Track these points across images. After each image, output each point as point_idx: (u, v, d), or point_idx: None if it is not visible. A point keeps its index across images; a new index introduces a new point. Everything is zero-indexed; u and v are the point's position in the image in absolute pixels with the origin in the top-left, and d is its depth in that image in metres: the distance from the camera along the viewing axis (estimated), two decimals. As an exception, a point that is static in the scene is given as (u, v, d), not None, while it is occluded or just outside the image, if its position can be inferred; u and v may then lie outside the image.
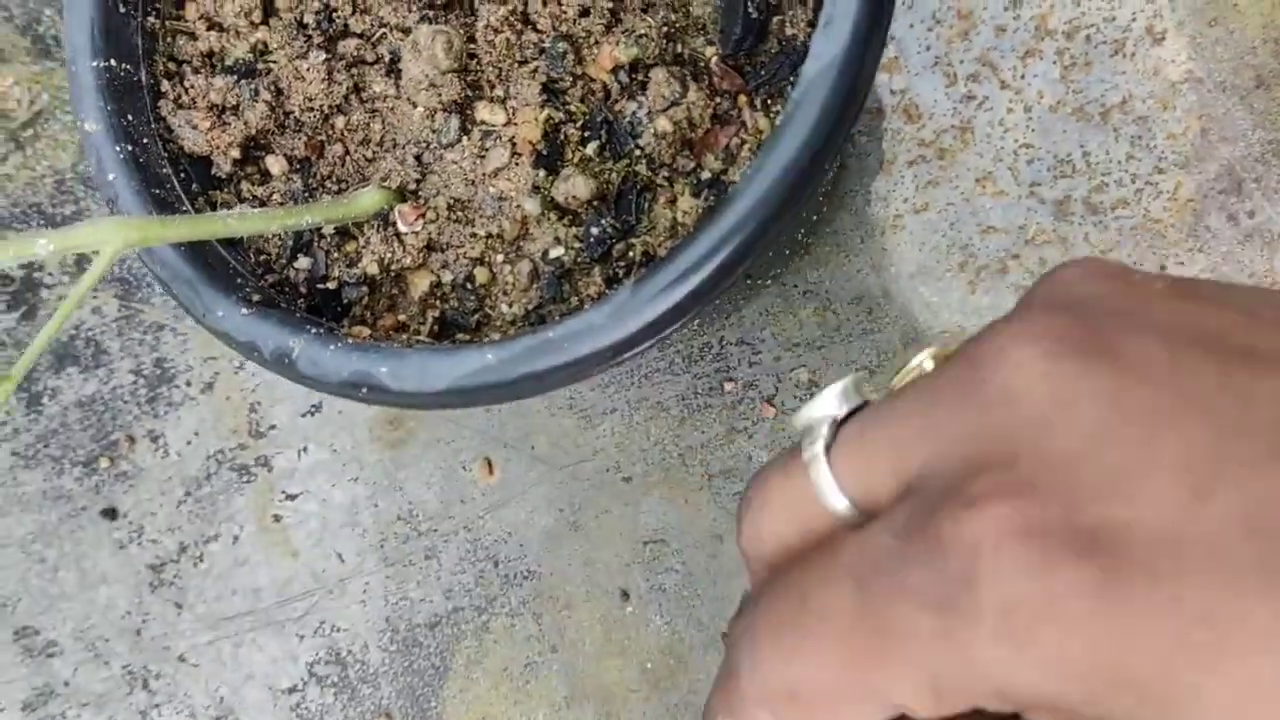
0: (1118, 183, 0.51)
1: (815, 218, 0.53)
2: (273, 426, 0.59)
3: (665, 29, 0.36)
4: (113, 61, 0.36)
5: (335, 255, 0.37)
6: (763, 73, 0.35)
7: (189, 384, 0.61)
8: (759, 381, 0.54)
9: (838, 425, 0.21)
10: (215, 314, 0.34)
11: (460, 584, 0.57)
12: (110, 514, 0.61)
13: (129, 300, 0.62)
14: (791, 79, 0.35)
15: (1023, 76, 0.52)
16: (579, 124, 0.37)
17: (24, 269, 0.64)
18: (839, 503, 0.20)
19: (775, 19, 0.35)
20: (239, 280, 0.36)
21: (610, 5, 0.37)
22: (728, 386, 0.55)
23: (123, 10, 0.37)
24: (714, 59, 0.36)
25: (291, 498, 0.59)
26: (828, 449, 0.20)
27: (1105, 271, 0.20)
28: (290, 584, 0.59)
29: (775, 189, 0.30)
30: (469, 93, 0.37)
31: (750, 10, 0.34)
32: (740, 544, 0.23)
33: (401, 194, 0.37)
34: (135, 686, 0.60)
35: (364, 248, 0.36)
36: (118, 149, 0.35)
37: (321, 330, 0.34)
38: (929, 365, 0.21)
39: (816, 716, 0.19)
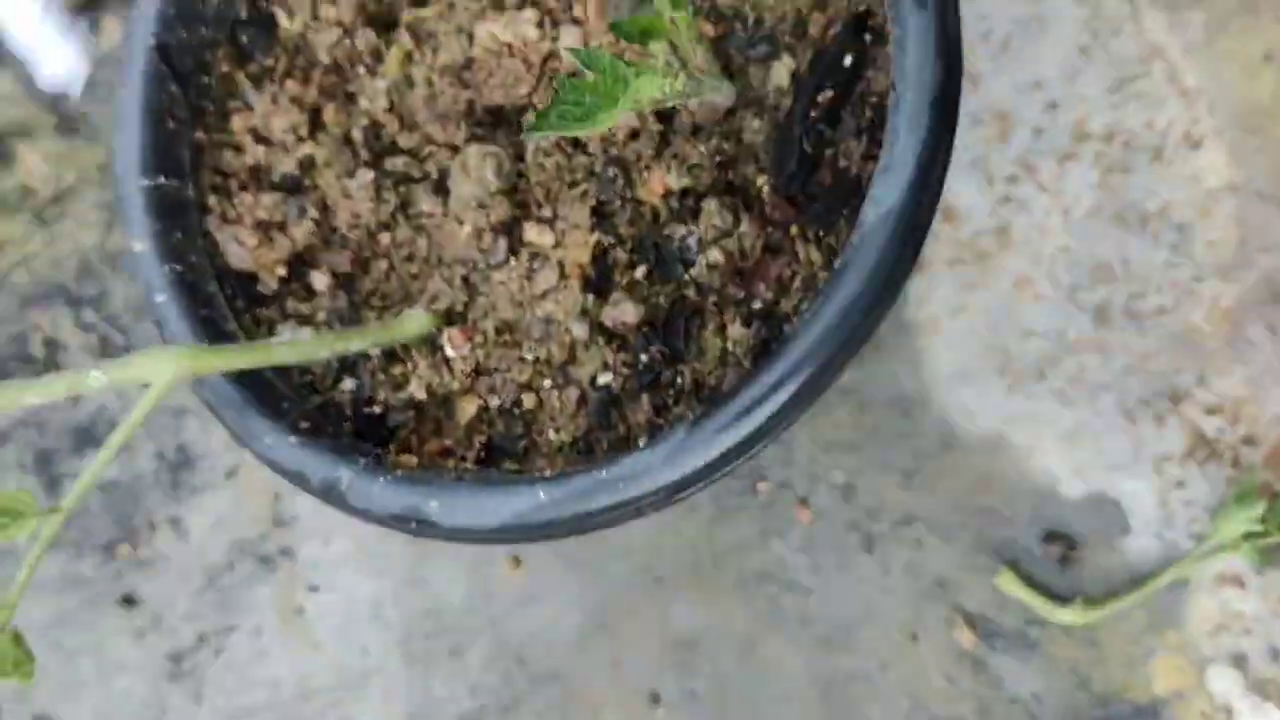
0: (1157, 289, 0.50)
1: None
2: (296, 516, 0.59)
3: (717, 157, 0.35)
4: (162, 179, 0.36)
5: (381, 377, 0.36)
6: (816, 206, 0.35)
7: (212, 469, 0.60)
8: (793, 482, 0.54)
9: None
10: (263, 441, 0.34)
11: (485, 683, 0.56)
12: (129, 601, 0.60)
13: (154, 383, 0.62)
14: (845, 212, 0.34)
15: (1061, 180, 0.52)
16: (628, 247, 0.36)
17: (48, 347, 0.64)
18: None
19: (829, 150, 0.35)
20: (285, 404, 0.35)
21: (660, 128, 0.36)
22: (761, 487, 0.54)
23: (173, 126, 0.37)
24: (766, 189, 0.35)
25: (315, 589, 0.58)
26: None
27: None
28: (312, 678, 0.58)
29: (833, 335, 0.30)
30: (517, 212, 0.37)
31: (805, 146, 0.34)
32: None
33: (449, 316, 0.36)
34: (150, 780, 0.59)
35: (411, 372, 0.36)
36: (165, 269, 0.35)
37: (369, 460, 0.34)
38: None
39: None
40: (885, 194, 0.30)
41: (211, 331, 0.35)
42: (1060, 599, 0.50)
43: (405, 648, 0.57)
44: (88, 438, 0.62)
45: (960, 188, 0.52)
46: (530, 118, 0.35)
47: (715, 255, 0.35)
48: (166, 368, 0.31)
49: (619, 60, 0.30)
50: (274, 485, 0.60)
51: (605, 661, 0.55)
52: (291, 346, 0.33)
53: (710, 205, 0.35)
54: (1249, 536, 0.48)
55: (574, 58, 0.29)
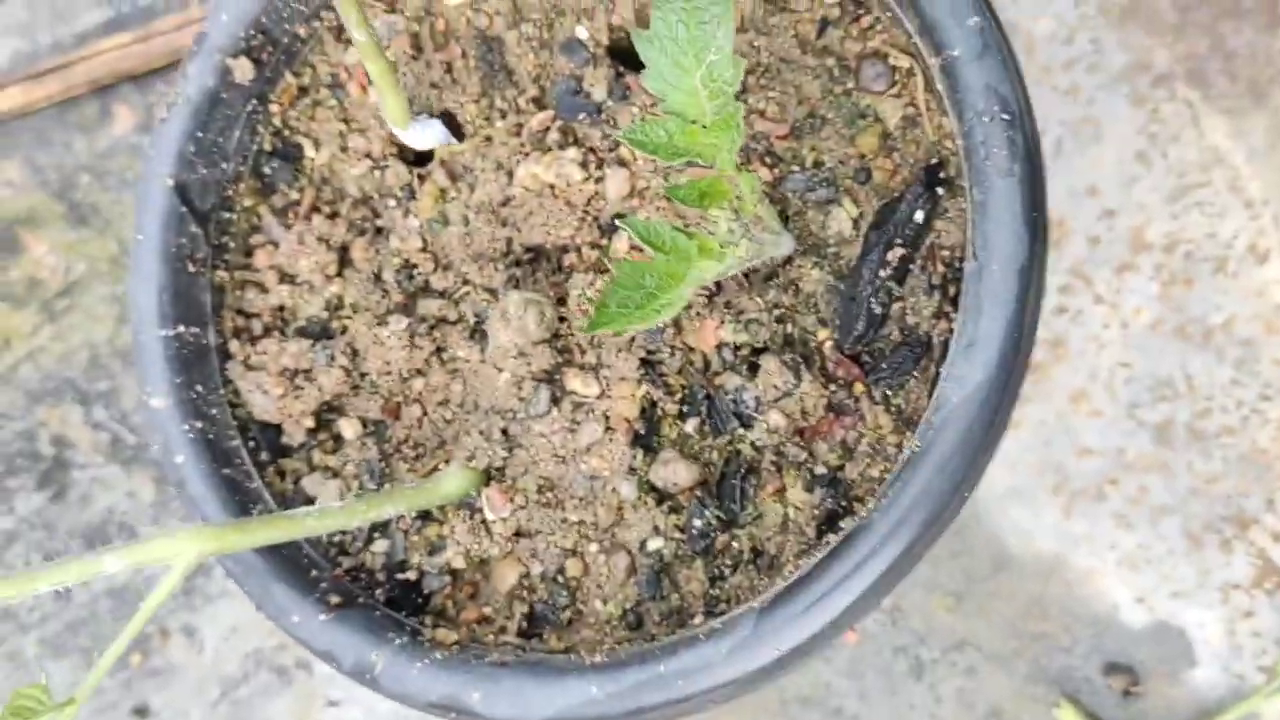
0: (1222, 409, 0.48)
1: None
2: (314, 626, 0.56)
3: (775, 310, 0.33)
4: (181, 328, 0.34)
5: (415, 538, 0.34)
6: (883, 365, 0.32)
7: (226, 577, 0.58)
8: (835, 600, 0.51)
9: None
10: (290, 619, 0.32)
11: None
12: (141, 712, 0.58)
13: (165, 484, 0.60)
14: (914, 372, 0.32)
15: (1118, 291, 0.49)
16: (677, 398, 0.34)
17: (57, 445, 0.61)
18: None
19: (896, 305, 0.32)
20: (313, 571, 0.33)
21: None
22: (801, 604, 0.52)
23: (192, 269, 0.34)
24: (828, 344, 0.33)
25: (334, 704, 0.56)
26: None
27: None
28: (328, 799, 0.55)
29: (912, 522, 0.28)
30: (559, 360, 0.35)
31: (874, 306, 0.31)
32: None
33: (487, 474, 0.34)
34: None
35: (448, 536, 0.33)
36: (185, 427, 0.33)
37: (405, 639, 0.31)
38: None
39: None
40: (969, 372, 0.28)
41: (234, 492, 0.33)
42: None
43: (427, 769, 0.54)
44: (99, 537, 0.60)
45: (1012, 296, 0.50)
46: (588, 312, 0.32)
47: (777, 419, 0.32)
48: (187, 549, 0.29)
49: (680, 232, 0.28)
50: (290, 592, 0.57)
51: (638, 789, 0.52)
52: (320, 517, 0.30)
53: (771, 364, 0.32)
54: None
55: (631, 231, 0.27)
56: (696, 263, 0.27)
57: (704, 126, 0.28)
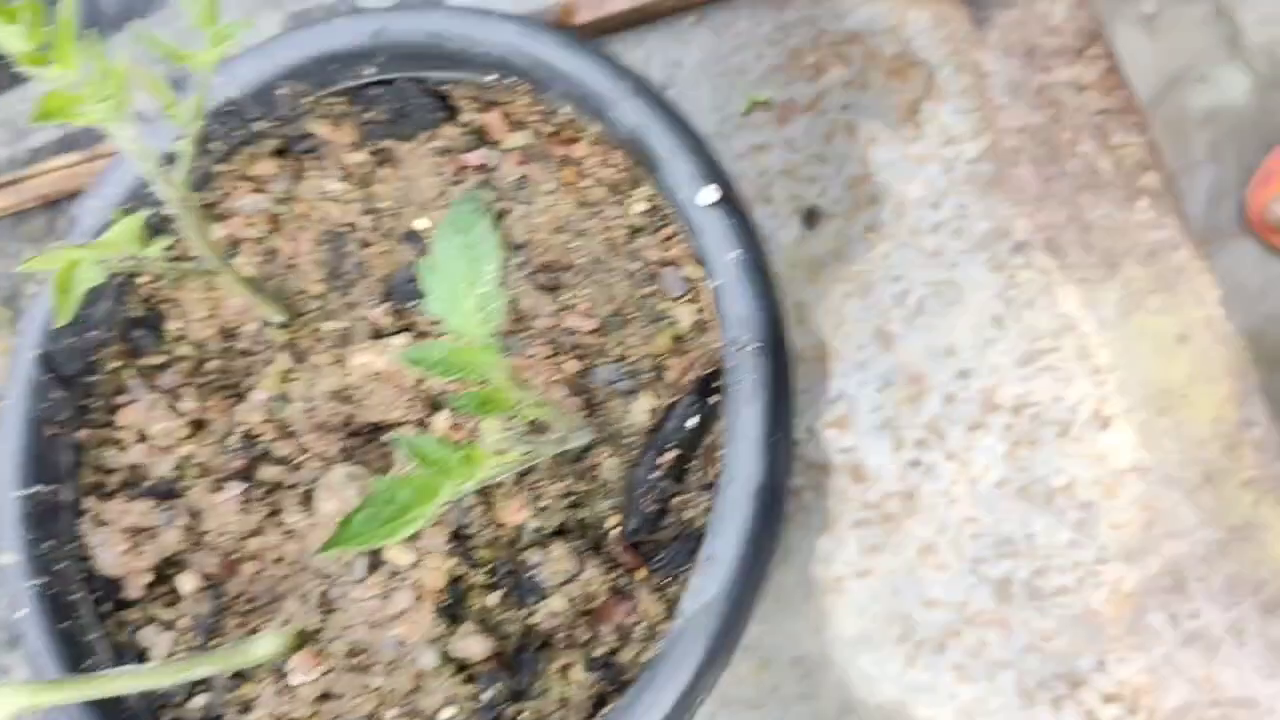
0: (1059, 569, 0.50)
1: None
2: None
3: (570, 496, 0.36)
4: (39, 487, 0.37)
5: (229, 696, 0.37)
6: (661, 555, 0.35)
7: None
8: (694, 729, 0.53)
9: None
10: (100, 768, 0.34)
11: None
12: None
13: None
14: (688, 565, 0.35)
15: (969, 449, 0.52)
16: (485, 570, 0.37)
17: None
18: None
19: (676, 499, 0.35)
20: (132, 720, 0.36)
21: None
22: (663, 731, 0.54)
23: (52, 432, 0.38)
24: (615, 531, 0.36)
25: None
26: None
27: None
28: None
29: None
30: (381, 528, 0.37)
31: (645, 505, 0.34)
32: None
33: (301, 637, 0.37)
34: None
35: (256, 700, 0.36)
36: (31, 584, 0.36)
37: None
38: None
39: None
40: (706, 585, 0.31)
41: (70, 646, 0.36)
42: None
43: None
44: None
45: (869, 447, 0.53)
46: (329, 536, 0.35)
47: (558, 603, 0.35)
48: (8, 703, 0.32)
49: (446, 449, 0.31)
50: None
51: None
52: (134, 677, 0.33)
53: (557, 549, 0.35)
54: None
55: (399, 448, 0.30)
56: (457, 474, 0.30)
57: (477, 347, 0.31)
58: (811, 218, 0.57)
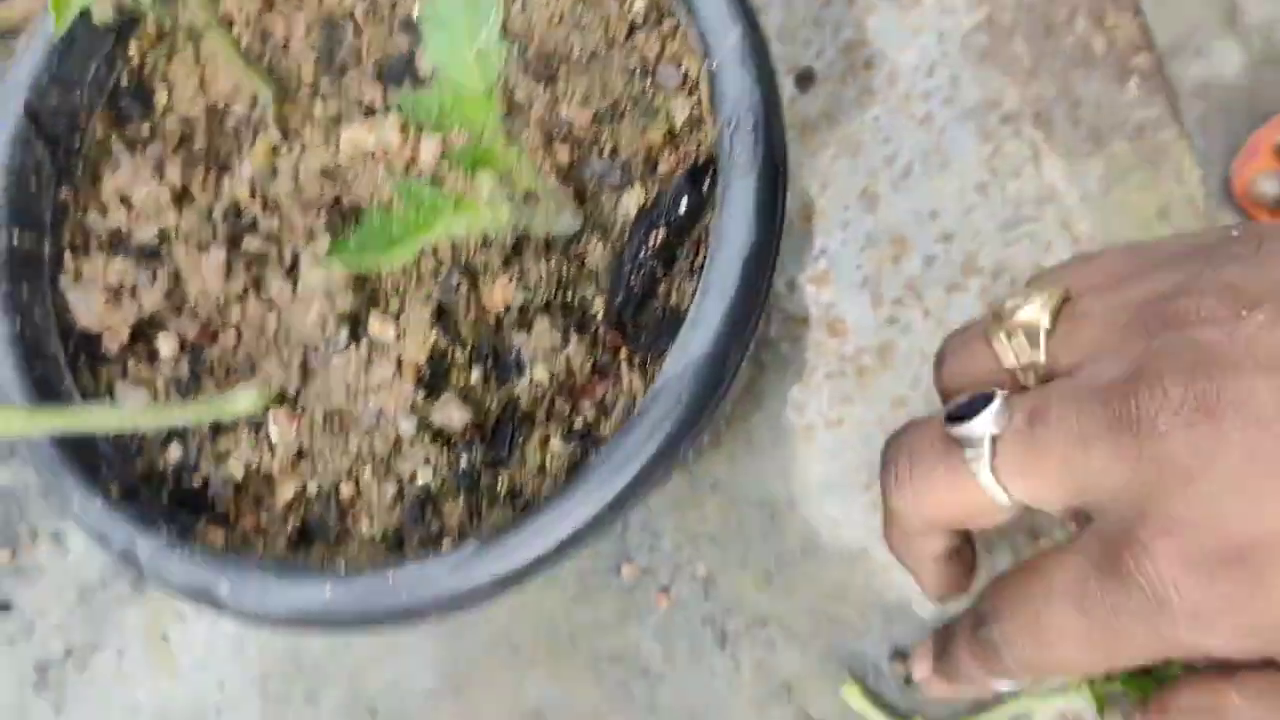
0: (1025, 427, 0.51)
1: (729, 411, 0.53)
2: (175, 544, 0.59)
3: (557, 277, 0.36)
4: (17, 233, 0.37)
5: (206, 448, 0.37)
6: (644, 335, 0.35)
7: (100, 488, 0.61)
8: (657, 569, 0.54)
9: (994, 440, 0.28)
10: (71, 504, 0.35)
11: (334, 732, 0.56)
12: (4, 607, 0.61)
13: None
14: (670, 346, 0.35)
15: (946, 308, 0.52)
16: (467, 349, 0.37)
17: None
18: (1005, 502, 0.29)
19: (663, 285, 0.36)
20: (105, 467, 0.36)
21: (513, 240, 0.37)
22: (625, 570, 0.55)
23: (35, 186, 0.37)
24: (600, 313, 0.36)
25: (182, 619, 0.59)
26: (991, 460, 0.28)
27: (1208, 325, 0.25)
28: (168, 706, 0.58)
29: (622, 477, 0.31)
30: (365, 303, 0.38)
31: (632, 282, 0.35)
32: (895, 506, 0.32)
33: (281, 398, 0.37)
34: (0, 788, 0.59)
35: (233, 449, 0.36)
36: (5, 322, 0.36)
37: (174, 532, 0.34)
38: (1045, 322, 0.29)
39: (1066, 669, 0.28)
40: (691, 346, 0.31)
41: (44, 389, 0.36)
42: (898, 714, 0.51)
43: (262, 687, 0.57)
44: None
45: (848, 303, 0.53)
46: (331, 242, 0.35)
47: (540, 373, 0.35)
48: (-25, 426, 0.32)
49: (440, 193, 0.31)
50: (158, 510, 0.60)
51: (453, 725, 0.55)
52: (109, 413, 0.33)
53: (541, 324, 0.36)
54: (1091, 681, 0.49)
55: (398, 193, 0.30)
56: (447, 217, 0.30)
57: (474, 100, 0.31)
58: (804, 80, 0.57)
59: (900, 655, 0.51)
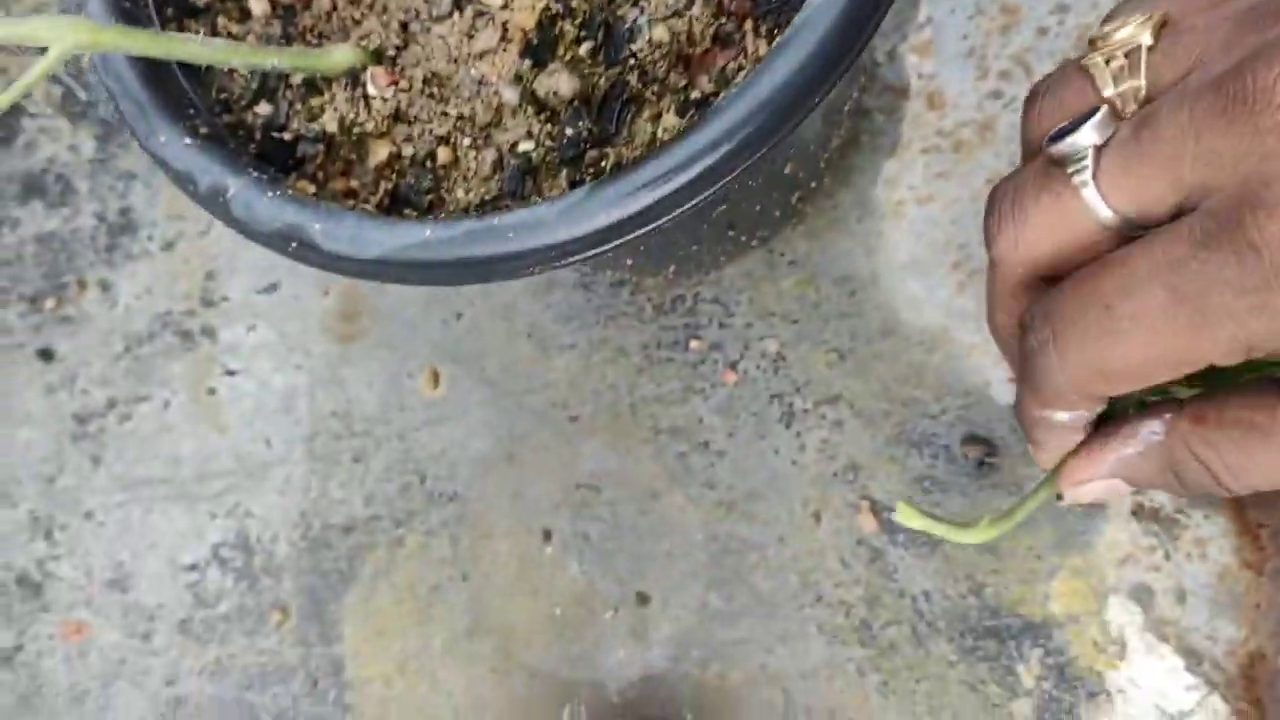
0: (1129, 209, 0.49)
1: (814, 185, 0.51)
2: (225, 298, 0.58)
3: (684, -65, 0.34)
4: None
5: (298, 107, 0.35)
6: (774, 2, 0.33)
7: (150, 239, 0.59)
8: (725, 345, 0.53)
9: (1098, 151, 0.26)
10: (157, 138, 0.32)
11: (383, 492, 0.55)
12: (47, 355, 0.60)
13: (107, 143, 0.60)
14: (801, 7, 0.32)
15: (1055, 83, 0.50)
16: (578, 21, 0.35)
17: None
18: (1110, 218, 0.26)
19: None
20: (191, 111, 0.34)
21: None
22: (693, 344, 0.53)
23: None
24: (728, -23, 0.33)
25: (231, 373, 0.57)
26: (1094, 173, 0.26)
27: None
28: (212, 460, 0.57)
29: (758, 113, 0.28)
30: (471, -34, 0.35)
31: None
32: (997, 251, 0.30)
33: (379, 56, 0.35)
34: (37, 534, 0.59)
35: (328, 105, 0.34)
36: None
37: (264, 176, 0.32)
38: (1148, 39, 0.26)
39: (1128, 385, 0.26)
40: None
41: (129, 23, 0.33)
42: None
43: (310, 445, 0.56)
44: (34, 187, 0.61)
45: (950, 75, 0.51)
46: None
47: (660, 33, 0.33)
48: (65, 33, 0.29)
49: None
50: (209, 265, 0.58)
51: (506, 492, 0.54)
52: (204, 45, 0.31)
53: (663, -15, 0.33)
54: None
55: None
56: None
57: None
58: None
59: (974, 440, 0.50)
